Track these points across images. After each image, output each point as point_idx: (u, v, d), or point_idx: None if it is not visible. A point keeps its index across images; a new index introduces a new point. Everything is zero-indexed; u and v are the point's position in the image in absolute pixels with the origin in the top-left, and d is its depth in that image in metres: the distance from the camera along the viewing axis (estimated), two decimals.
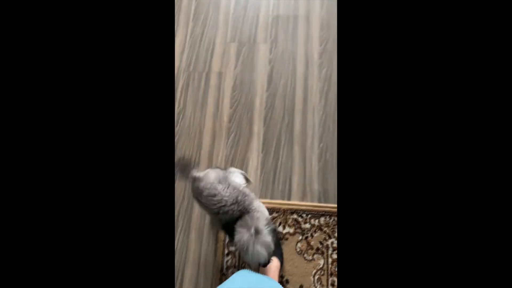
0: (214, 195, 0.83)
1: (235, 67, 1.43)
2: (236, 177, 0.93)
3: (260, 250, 0.74)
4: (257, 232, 0.76)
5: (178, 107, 1.39)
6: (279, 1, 1.51)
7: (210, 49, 1.47)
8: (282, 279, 1.11)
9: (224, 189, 0.84)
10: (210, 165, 1.29)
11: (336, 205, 1.19)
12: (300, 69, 1.41)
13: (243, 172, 1.03)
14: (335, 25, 1.47)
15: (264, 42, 1.46)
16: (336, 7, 1.51)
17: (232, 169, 1.01)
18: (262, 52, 1.45)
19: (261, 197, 1.23)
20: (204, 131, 1.35)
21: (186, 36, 1.51)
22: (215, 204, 0.83)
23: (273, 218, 1.18)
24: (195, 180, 0.89)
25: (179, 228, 1.21)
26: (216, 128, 1.34)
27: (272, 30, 1.48)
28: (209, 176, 0.88)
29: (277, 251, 1.11)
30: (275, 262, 1.06)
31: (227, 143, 1.32)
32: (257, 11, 1.52)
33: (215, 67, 1.44)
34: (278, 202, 1.21)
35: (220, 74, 1.43)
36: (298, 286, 1.10)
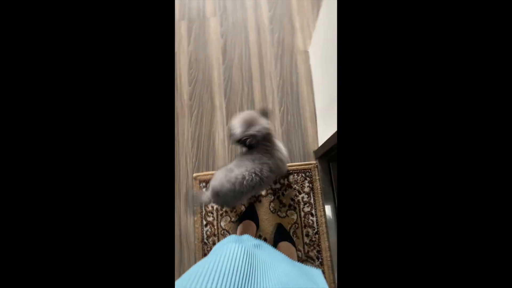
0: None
1: (188, 44, 1.42)
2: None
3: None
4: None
5: None
6: None
7: None
8: (260, 238, 1.17)
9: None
10: (177, 144, 1.31)
11: (301, 163, 1.25)
12: (252, 37, 1.41)
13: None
14: None
15: (214, 15, 1.45)
16: None
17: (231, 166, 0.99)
18: (213, 26, 1.44)
19: None
20: None
21: None
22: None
23: None
24: (213, 195, 0.90)
25: None
26: (178, 108, 1.35)
27: (220, 2, 1.46)
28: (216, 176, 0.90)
29: (251, 215, 1.16)
30: (249, 225, 1.12)
31: (191, 121, 1.33)
32: None
33: None
34: None
35: (174, 54, 1.42)
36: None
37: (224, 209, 1.22)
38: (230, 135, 0.86)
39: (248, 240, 0.73)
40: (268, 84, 1.35)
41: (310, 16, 1.41)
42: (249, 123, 0.83)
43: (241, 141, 0.83)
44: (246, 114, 0.86)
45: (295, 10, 1.42)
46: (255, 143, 0.84)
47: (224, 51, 1.40)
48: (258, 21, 1.42)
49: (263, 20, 1.42)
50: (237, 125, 0.83)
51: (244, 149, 0.90)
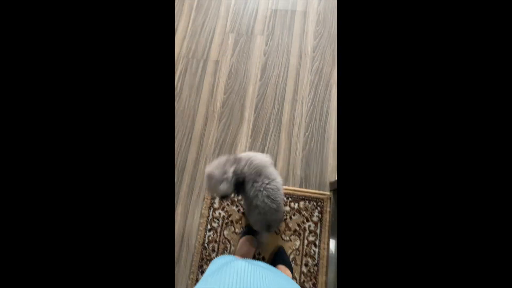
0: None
1: (232, 56, 1.50)
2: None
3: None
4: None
5: (175, 91, 1.47)
6: None
7: (210, 38, 1.55)
8: (259, 256, 1.17)
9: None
10: (200, 146, 1.37)
11: (315, 191, 1.25)
12: (293, 61, 1.47)
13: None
14: (331, 21, 1.52)
15: (261, 34, 1.53)
16: (333, 2, 1.56)
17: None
18: (259, 44, 1.51)
19: None
20: (197, 114, 1.42)
21: (188, 25, 1.58)
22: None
23: None
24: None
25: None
26: (209, 112, 1.42)
27: (269, 23, 1.54)
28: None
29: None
30: (251, 241, 1.13)
31: (218, 127, 1.39)
32: (256, 4, 1.58)
33: (213, 55, 1.52)
34: None
35: (217, 62, 1.50)
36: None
37: (230, 218, 1.24)
38: (212, 184, 0.86)
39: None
40: (299, 108, 1.38)
41: None
42: (234, 162, 0.87)
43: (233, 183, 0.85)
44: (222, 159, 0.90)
45: None
46: (243, 181, 0.87)
47: (264, 69, 1.46)
48: (302, 47, 1.48)
49: (307, 47, 1.48)
50: (218, 169, 0.86)
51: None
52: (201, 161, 1.34)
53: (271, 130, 1.37)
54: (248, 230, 1.17)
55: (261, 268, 0.52)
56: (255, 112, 1.40)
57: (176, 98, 1.45)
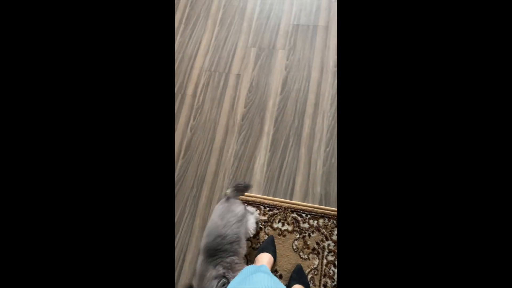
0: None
1: (253, 70, 1.53)
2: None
3: None
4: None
5: (197, 104, 1.51)
6: (300, 11, 1.59)
7: (232, 52, 1.58)
8: (276, 273, 1.14)
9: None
10: (220, 159, 1.38)
11: (336, 209, 1.21)
12: (314, 75, 1.46)
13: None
14: None
15: (283, 48, 1.54)
16: None
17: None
18: (280, 58, 1.53)
19: (264, 193, 1.29)
20: (218, 127, 1.44)
21: (211, 40, 1.63)
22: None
23: (273, 215, 1.23)
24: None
25: (186, 214, 1.30)
26: (229, 125, 1.43)
27: (291, 38, 1.56)
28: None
29: (270, 248, 1.16)
30: (267, 258, 1.11)
31: (237, 140, 1.40)
32: (279, 19, 1.61)
33: (235, 69, 1.55)
34: (280, 200, 1.26)
35: (238, 76, 1.53)
36: None
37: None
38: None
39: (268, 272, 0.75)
40: (320, 122, 1.37)
41: None
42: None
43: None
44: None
45: None
46: None
47: (285, 83, 1.47)
48: (323, 62, 1.48)
49: (329, 62, 1.47)
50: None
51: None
52: (220, 173, 1.35)
53: (290, 144, 1.36)
54: (264, 247, 1.16)
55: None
56: (274, 125, 1.40)
57: (198, 111, 1.49)
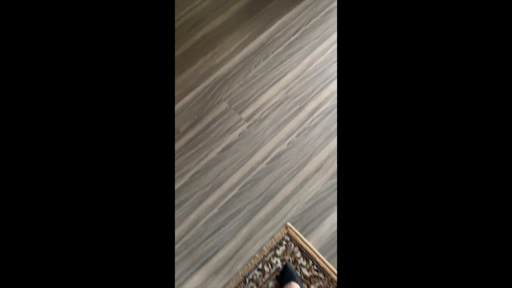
0: None
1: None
2: None
3: None
4: None
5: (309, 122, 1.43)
6: None
7: None
8: None
9: None
10: (299, 188, 1.31)
11: None
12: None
13: None
14: None
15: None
16: None
17: None
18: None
19: (321, 251, 1.19)
20: (314, 157, 1.36)
21: None
22: None
23: (316, 278, 1.14)
24: None
25: (239, 216, 1.27)
26: (326, 164, 1.34)
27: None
28: None
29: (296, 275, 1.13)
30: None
31: (326, 182, 1.30)
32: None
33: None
34: (332, 269, 1.15)
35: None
36: None
37: (280, 272, 1.16)
38: None
39: None
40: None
41: None
42: None
43: None
44: None
45: None
46: None
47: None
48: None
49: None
50: None
51: None
52: (291, 202, 1.28)
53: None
54: (284, 277, 1.12)
55: None
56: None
57: (306, 129, 1.42)
